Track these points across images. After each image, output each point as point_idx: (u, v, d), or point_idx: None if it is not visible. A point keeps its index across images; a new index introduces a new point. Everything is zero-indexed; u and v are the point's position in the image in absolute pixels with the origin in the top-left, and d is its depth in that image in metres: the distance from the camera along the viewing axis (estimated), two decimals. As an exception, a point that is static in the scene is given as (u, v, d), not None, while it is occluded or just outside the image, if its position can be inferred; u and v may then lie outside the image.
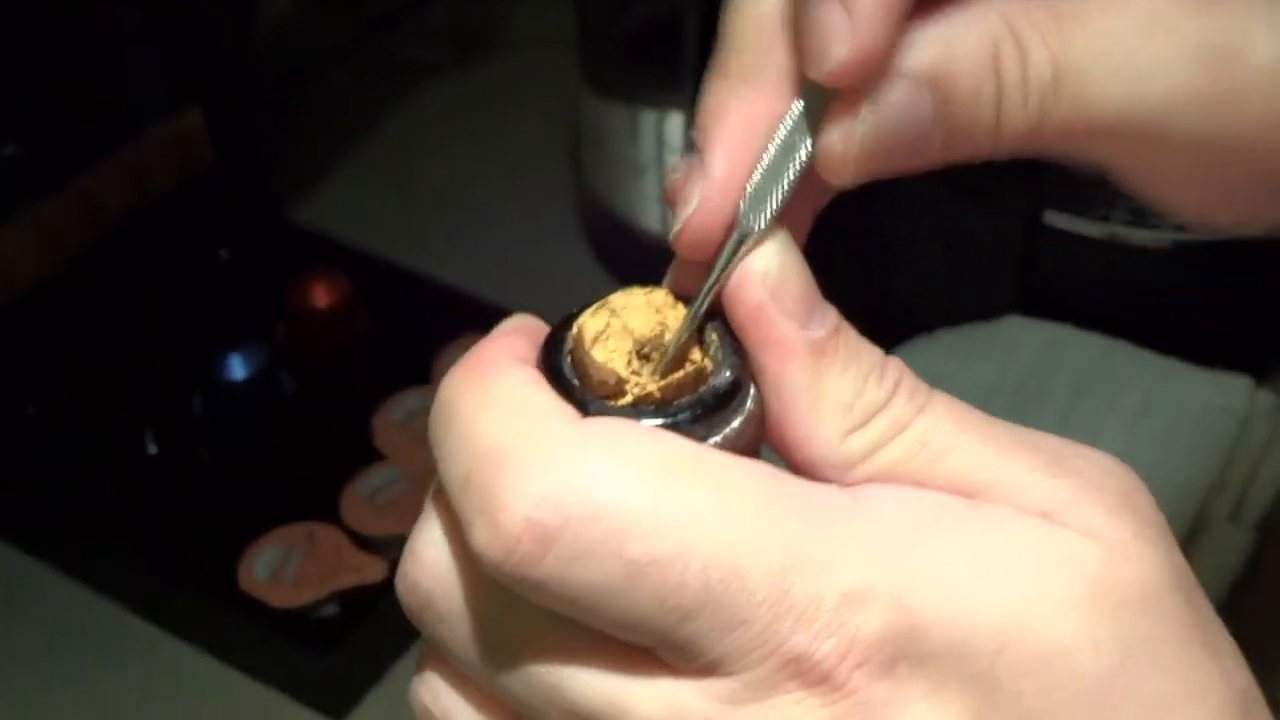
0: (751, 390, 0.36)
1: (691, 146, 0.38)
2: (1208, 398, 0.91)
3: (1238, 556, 0.84)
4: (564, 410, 0.35)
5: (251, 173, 1.16)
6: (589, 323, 0.36)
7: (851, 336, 0.36)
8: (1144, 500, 0.36)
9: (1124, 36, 0.36)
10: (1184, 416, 0.90)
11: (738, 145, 0.37)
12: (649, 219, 1.09)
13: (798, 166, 0.36)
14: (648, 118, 1.06)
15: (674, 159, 1.05)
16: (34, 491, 0.98)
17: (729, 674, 0.33)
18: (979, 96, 0.36)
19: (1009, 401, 0.90)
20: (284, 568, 0.90)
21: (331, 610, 0.89)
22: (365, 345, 1.04)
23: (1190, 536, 0.84)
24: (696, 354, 0.37)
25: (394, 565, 0.88)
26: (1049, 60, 0.36)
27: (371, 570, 0.90)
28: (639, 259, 1.08)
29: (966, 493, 0.35)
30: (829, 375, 0.36)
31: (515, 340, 0.36)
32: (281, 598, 0.89)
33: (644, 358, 0.36)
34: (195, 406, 0.98)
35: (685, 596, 0.33)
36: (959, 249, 0.97)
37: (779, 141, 0.36)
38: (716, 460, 0.34)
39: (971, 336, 0.95)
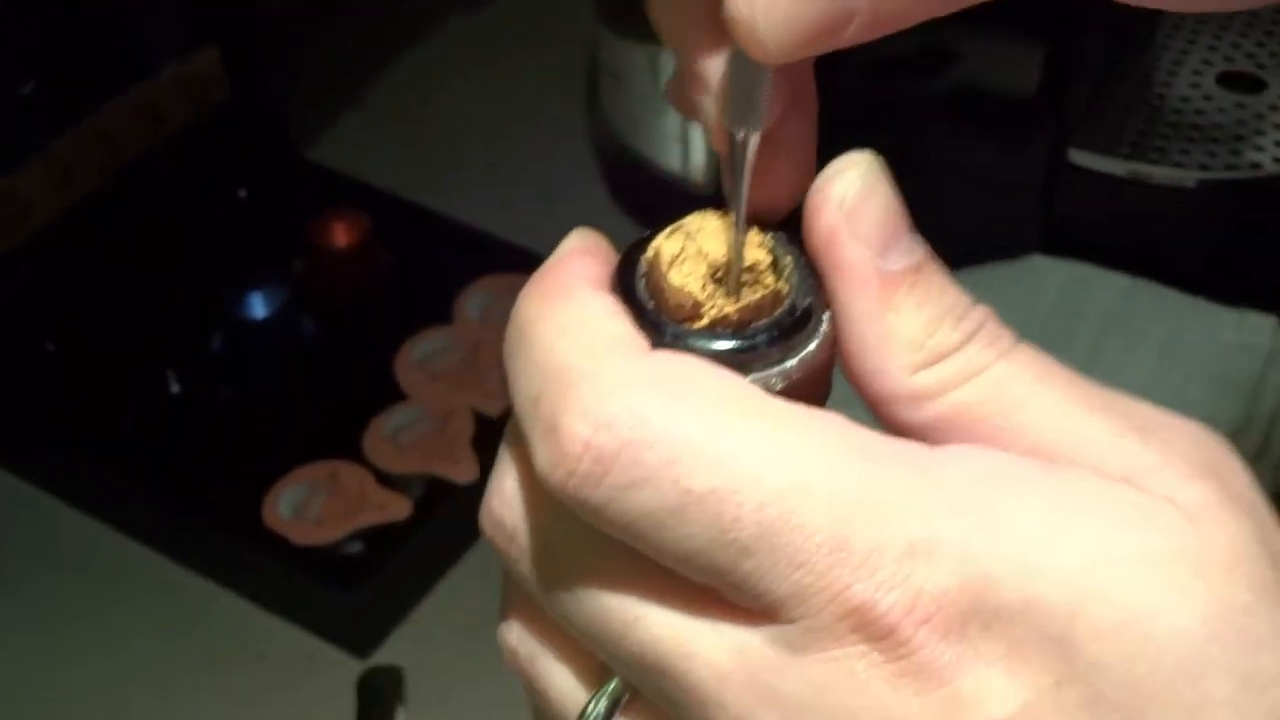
0: (826, 314, 0.36)
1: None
2: (1231, 336, 0.91)
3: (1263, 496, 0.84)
4: (634, 339, 0.34)
5: (269, 112, 1.15)
6: (665, 246, 0.36)
7: (937, 275, 0.35)
8: (1235, 471, 0.34)
9: None
10: (1208, 355, 0.90)
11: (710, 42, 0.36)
12: (669, 158, 1.09)
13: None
14: (667, 56, 1.06)
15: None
16: (57, 430, 0.98)
17: (791, 619, 0.32)
18: None
19: (1033, 341, 0.90)
20: (308, 506, 0.90)
21: (356, 548, 0.89)
22: (385, 285, 1.04)
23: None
24: (771, 278, 0.36)
25: (417, 503, 0.90)
26: None
27: (395, 508, 0.90)
28: (657, 198, 1.08)
29: (1042, 446, 0.34)
30: (902, 309, 0.35)
31: (589, 262, 0.36)
32: (305, 535, 0.89)
33: (719, 281, 0.36)
34: (215, 345, 0.99)
35: (740, 532, 0.32)
36: (982, 188, 0.97)
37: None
38: (780, 404, 0.34)
39: (995, 275, 0.95)
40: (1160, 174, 0.95)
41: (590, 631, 0.35)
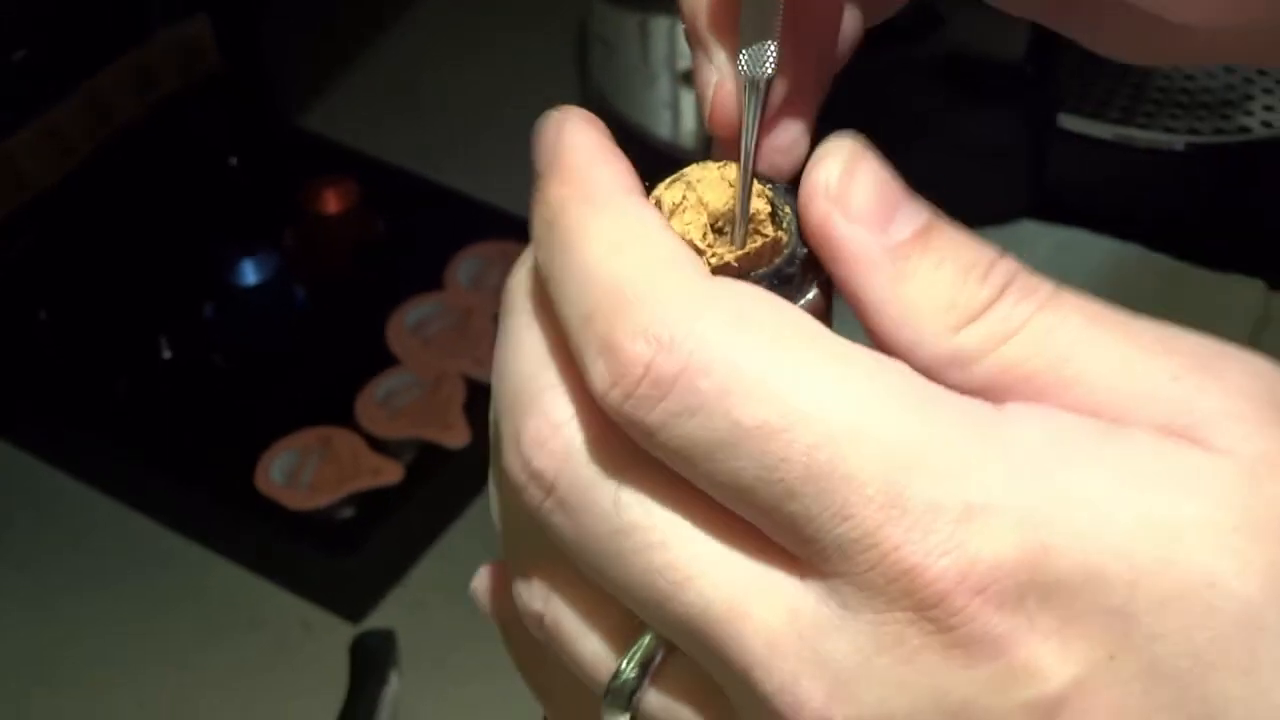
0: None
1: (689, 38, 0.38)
2: (1220, 300, 0.91)
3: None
4: (691, 259, 0.33)
5: (260, 79, 1.15)
6: (665, 195, 0.36)
7: (947, 232, 0.34)
8: None
9: None
10: (1196, 319, 0.90)
11: (723, 12, 0.36)
12: (660, 126, 1.09)
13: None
14: (659, 24, 1.06)
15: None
16: (50, 398, 0.98)
17: (841, 575, 0.31)
18: None
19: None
20: (300, 471, 0.91)
21: (348, 513, 0.90)
22: (376, 252, 1.04)
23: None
24: (770, 228, 0.36)
25: (409, 468, 0.90)
26: None
27: (388, 473, 0.91)
28: (649, 166, 1.08)
29: (1098, 399, 0.32)
30: (919, 274, 0.33)
31: (624, 168, 0.35)
32: (298, 501, 0.90)
33: (718, 231, 0.36)
34: (207, 312, 0.99)
35: (789, 471, 0.31)
36: (972, 153, 0.97)
37: None
38: (844, 343, 0.32)
39: (984, 240, 0.95)
40: (1149, 139, 0.95)
41: (635, 592, 0.33)
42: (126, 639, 0.90)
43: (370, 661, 0.87)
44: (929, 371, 0.33)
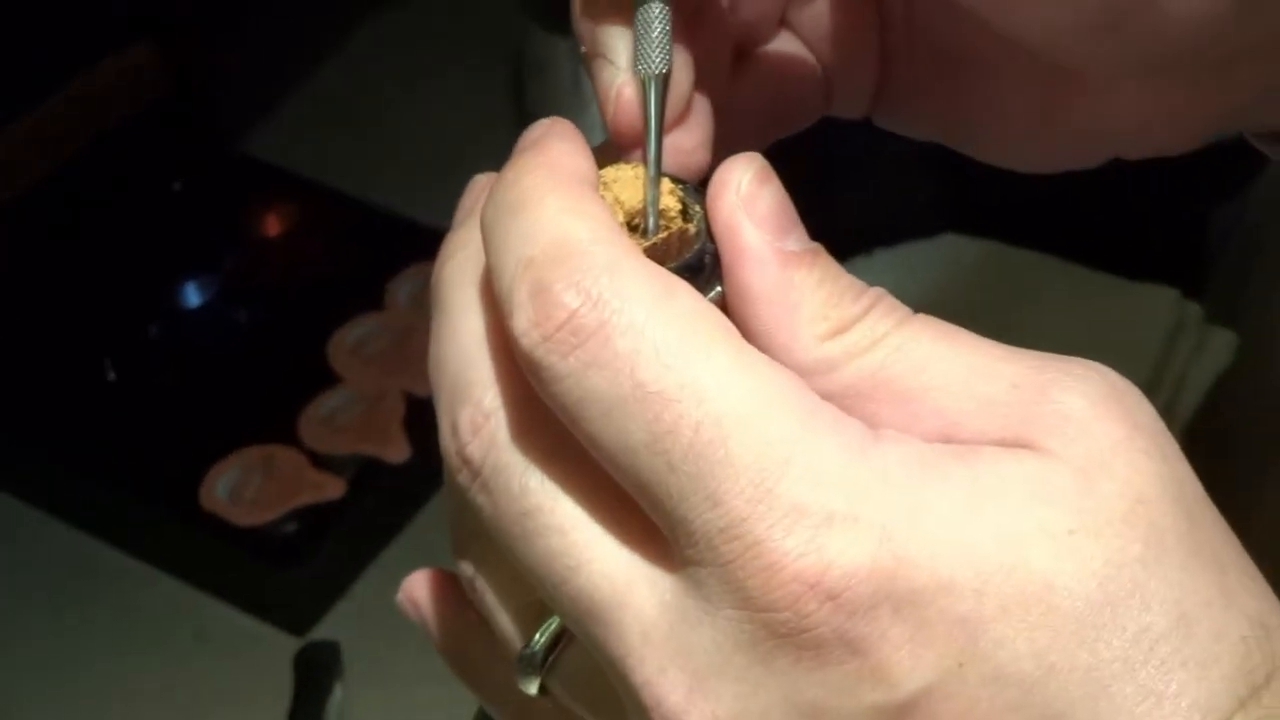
0: None
1: (583, 57, 0.40)
2: (1137, 308, 0.94)
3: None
4: (630, 241, 0.35)
5: (203, 105, 1.17)
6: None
7: (828, 260, 0.36)
8: (1133, 405, 0.34)
9: None
10: (1114, 327, 0.93)
11: (617, 18, 0.39)
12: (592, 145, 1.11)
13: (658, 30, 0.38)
14: (590, 47, 1.08)
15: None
16: (-5, 419, 1.00)
17: (707, 565, 0.32)
18: None
19: (945, 314, 0.93)
20: (244, 488, 0.92)
21: (292, 528, 0.91)
22: (317, 273, 1.06)
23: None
24: (680, 223, 0.38)
25: (352, 483, 0.92)
26: None
27: (330, 488, 0.92)
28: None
29: (946, 407, 0.34)
30: (803, 286, 0.35)
31: (589, 166, 0.37)
32: (242, 517, 0.91)
33: (633, 228, 0.38)
34: (151, 334, 1.00)
35: (673, 443, 0.32)
36: (895, 170, 0.99)
37: None
38: (748, 346, 0.34)
39: (908, 254, 0.97)
40: (1067, 153, 0.97)
41: (535, 571, 0.35)
42: (73, 654, 0.91)
43: (315, 673, 0.88)
44: (797, 374, 0.35)
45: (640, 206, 0.38)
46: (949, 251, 0.97)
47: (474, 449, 0.36)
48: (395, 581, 0.97)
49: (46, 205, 1.06)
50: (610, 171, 0.38)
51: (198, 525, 0.92)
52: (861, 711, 0.32)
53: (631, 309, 0.33)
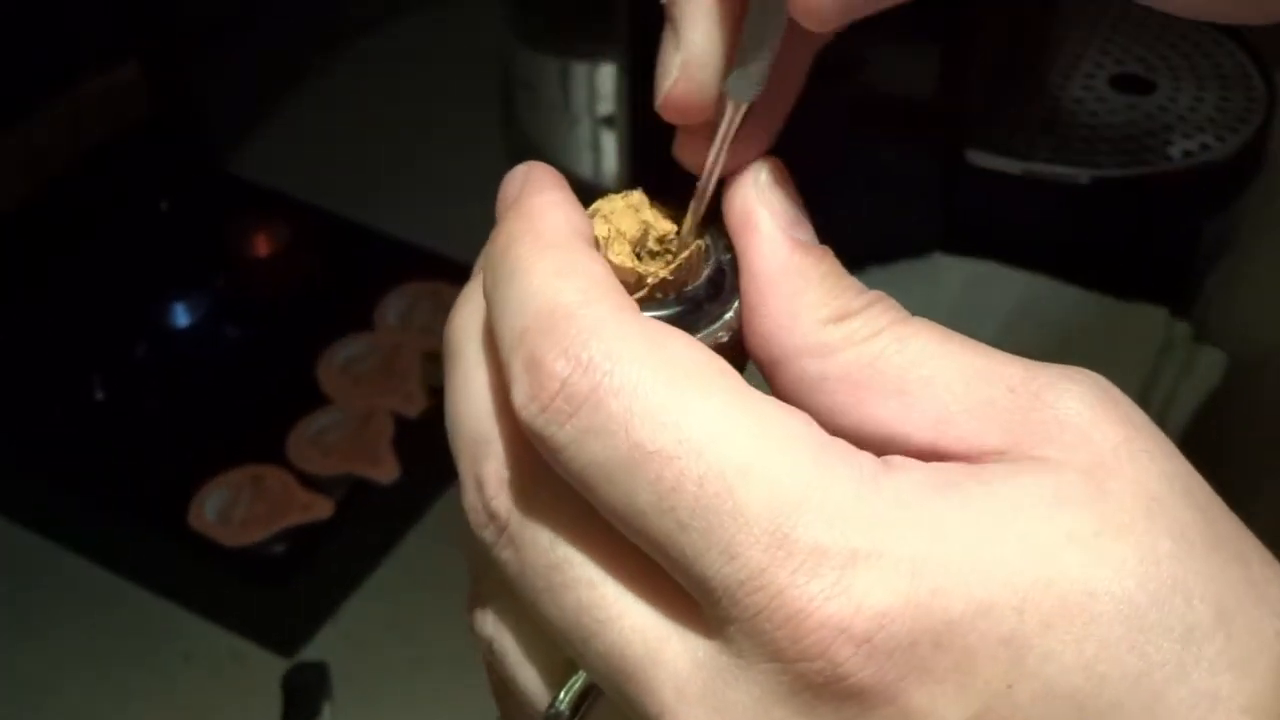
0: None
1: (664, 15, 0.39)
2: (1125, 327, 0.94)
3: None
4: (624, 294, 0.35)
5: (190, 124, 1.17)
6: (597, 231, 0.38)
7: (836, 261, 0.37)
8: (1127, 409, 0.34)
9: None
10: (1104, 346, 0.93)
11: (710, 11, 0.38)
12: (582, 167, 1.11)
13: (778, 26, 0.37)
14: (579, 69, 1.08)
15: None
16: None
17: (734, 621, 0.32)
18: None
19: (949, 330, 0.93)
20: (233, 508, 0.92)
21: (280, 548, 0.91)
22: (306, 292, 1.06)
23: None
24: (692, 239, 0.39)
25: (340, 503, 0.92)
26: None
27: (319, 508, 0.92)
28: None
29: (944, 405, 0.34)
30: (810, 273, 0.36)
31: (580, 219, 0.37)
32: (231, 537, 0.91)
33: (642, 254, 0.38)
34: (140, 354, 1.00)
35: (679, 501, 0.32)
36: (884, 189, 1.00)
37: (755, 6, 0.37)
38: (748, 389, 0.34)
39: (899, 273, 0.97)
40: (1055, 173, 0.98)
41: (563, 628, 0.35)
42: (60, 676, 0.90)
43: (303, 695, 0.88)
44: (792, 355, 0.35)
45: (638, 234, 0.38)
46: (939, 271, 0.97)
47: (500, 503, 0.36)
48: (384, 602, 0.98)
49: (34, 224, 1.06)
50: (604, 204, 0.39)
51: (186, 545, 0.91)
52: None
53: (621, 369, 0.33)
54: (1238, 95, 1.05)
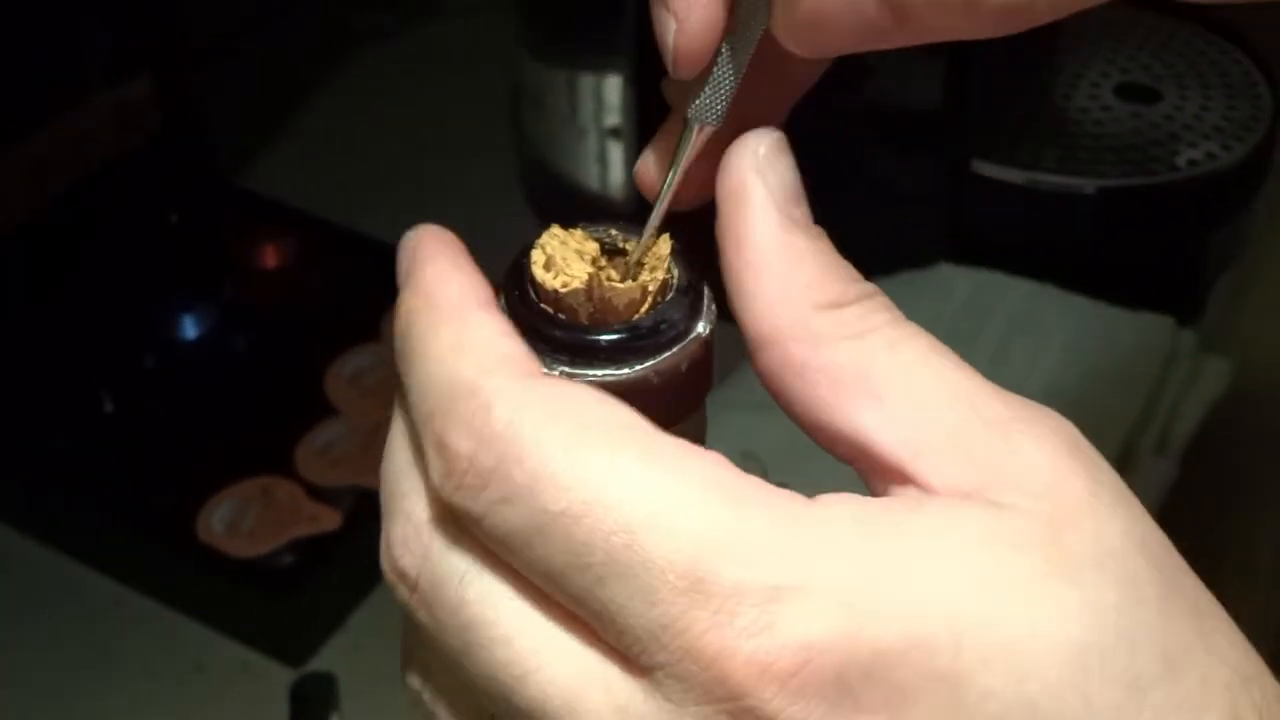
0: (705, 300, 0.38)
1: None
2: (1131, 337, 0.94)
3: (1163, 488, 0.87)
4: (525, 360, 0.35)
5: (199, 139, 1.17)
6: (547, 280, 0.38)
7: (830, 244, 0.36)
8: (1094, 460, 0.34)
9: None
10: (1109, 356, 0.93)
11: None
12: (589, 179, 1.11)
13: (747, 50, 0.37)
14: (586, 80, 1.09)
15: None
16: (-8, 452, 1.00)
17: (659, 667, 0.32)
18: None
19: (941, 343, 0.93)
20: (241, 520, 0.92)
21: (288, 559, 0.91)
22: (315, 304, 1.06)
23: (1117, 469, 0.86)
24: (650, 268, 0.39)
25: (348, 514, 0.92)
26: None
27: (326, 520, 0.92)
28: (579, 216, 1.10)
29: (922, 425, 0.33)
30: (804, 251, 0.35)
31: (473, 280, 0.37)
32: (239, 548, 0.91)
33: (589, 284, 0.38)
34: (148, 365, 1.01)
35: (592, 557, 0.32)
36: (890, 199, 1.00)
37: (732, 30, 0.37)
38: (658, 437, 0.33)
39: (904, 284, 0.97)
40: (1060, 182, 0.98)
41: (482, 684, 0.34)
42: (69, 687, 0.91)
43: (310, 705, 0.88)
44: (781, 337, 0.35)
45: (587, 280, 0.37)
46: (944, 281, 0.98)
47: (407, 563, 0.36)
48: (392, 613, 0.97)
49: (43, 236, 1.06)
50: (555, 248, 0.38)
51: (194, 557, 0.92)
52: None
53: (522, 436, 0.33)
54: (1243, 104, 1.05)
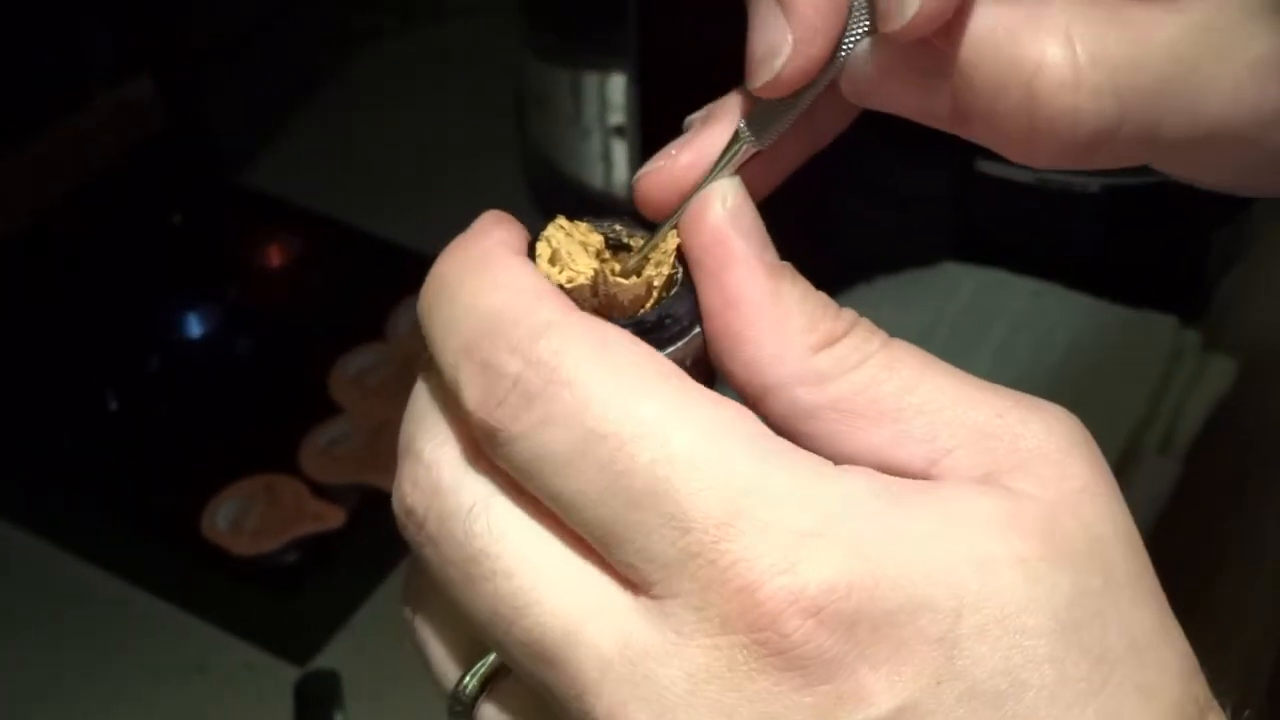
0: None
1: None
2: (1135, 335, 0.94)
3: (1167, 486, 0.87)
4: (562, 299, 0.36)
5: (203, 138, 1.17)
6: (553, 275, 0.38)
7: (803, 280, 0.37)
8: (1095, 452, 0.36)
9: (1188, 49, 0.37)
10: (1113, 354, 0.93)
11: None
12: (594, 178, 1.12)
13: (812, 93, 0.38)
14: (590, 80, 1.09)
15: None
16: (-2, 451, 1.00)
17: (677, 596, 0.33)
18: (1004, 80, 0.36)
19: (946, 341, 0.93)
20: (245, 518, 0.93)
21: (292, 558, 0.91)
22: (319, 303, 1.06)
23: (1121, 467, 0.87)
24: (654, 265, 0.39)
25: (352, 513, 0.92)
26: (1107, 71, 0.36)
27: (330, 518, 0.93)
28: (584, 215, 1.10)
29: (938, 426, 0.35)
30: (790, 298, 0.36)
31: (510, 232, 0.38)
32: (243, 546, 0.91)
33: (594, 279, 0.38)
34: (153, 365, 1.01)
35: (631, 481, 0.33)
36: (895, 199, 1.00)
37: None
38: (695, 384, 0.35)
39: (909, 282, 0.97)
40: (1065, 181, 0.98)
41: (483, 618, 0.35)
42: (74, 685, 0.91)
43: (315, 703, 0.88)
44: (784, 385, 0.36)
45: (593, 275, 0.38)
46: (949, 280, 0.97)
47: (415, 499, 0.37)
48: (395, 611, 0.97)
49: (48, 238, 1.07)
50: (561, 241, 0.38)
51: (198, 555, 0.92)
52: None
53: (572, 364, 0.34)
54: (1248, 103, 1.04)
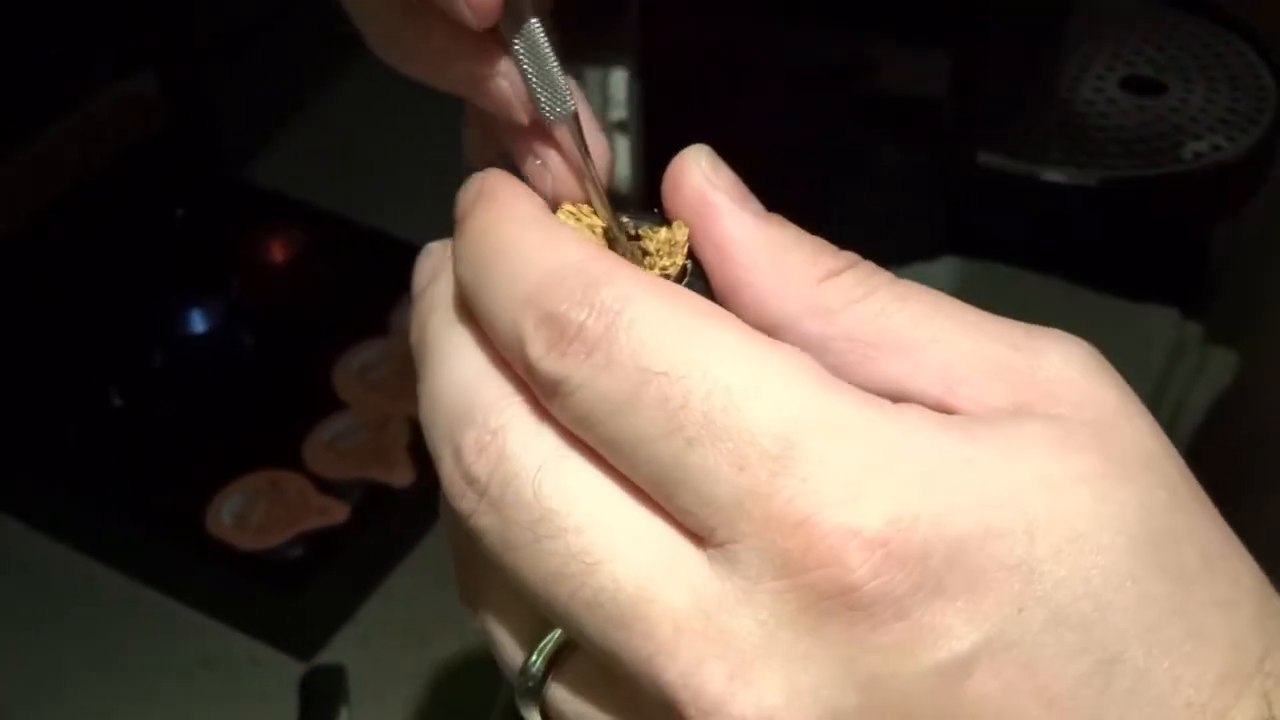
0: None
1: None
2: (1138, 328, 0.94)
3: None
4: (614, 254, 0.36)
5: (206, 133, 1.18)
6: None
7: (795, 225, 0.37)
8: (1113, 377, 0.36)
9: None
10: (1115, 347, 0.93)
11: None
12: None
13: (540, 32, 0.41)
14: (589, 75, 1.09)
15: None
16: (2, 446, 1.00)
17: (740, 540, 0.32)
18: None
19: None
20: (249, 513, 0.93)
21: (297, 553, 0.91)
22: (322, 298, 1.06)
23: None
24: (658, 247, 0.39)
25: (356, 508, 0.92)
26: None
27: (335, 513, 0.93)
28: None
29: (954, 357, 0.35)
30: (784, 239, 0.37)
31: (541, 202, 0.38)
32: (248, 541, 0.91)
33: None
34: (156, 360, 1.01)
35: (687, 417, 0.33)
36: (894, 192, 1.00)
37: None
38: (756, 332, 0.34)
39: (909, 276, 0.97)
40: (1066, 175, 0.98)
41: (549, 585, 0.34)
42: (78, 680, 0.91)
43: (320, 698, 0.88)
44: (789, 320, 0.36)
45: (604, 229, 0.39)
46: (949, 273, 0.98)
47: (479, 467, 0.36)
48: (400, 606, 0.98)
49: (50, 234, 1.07)
50: (568, 224, 0.39)
51: (203, 551, 0.92)
52: (923, 674, 0.32)
53: (632, 308, 0.34)
54: (1249, 95, 1.05)
